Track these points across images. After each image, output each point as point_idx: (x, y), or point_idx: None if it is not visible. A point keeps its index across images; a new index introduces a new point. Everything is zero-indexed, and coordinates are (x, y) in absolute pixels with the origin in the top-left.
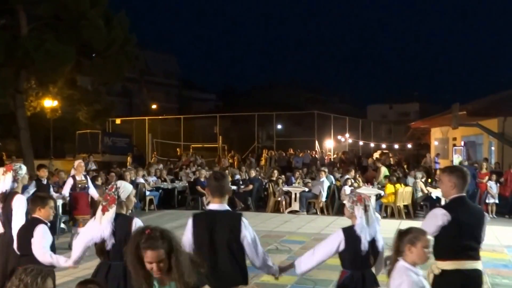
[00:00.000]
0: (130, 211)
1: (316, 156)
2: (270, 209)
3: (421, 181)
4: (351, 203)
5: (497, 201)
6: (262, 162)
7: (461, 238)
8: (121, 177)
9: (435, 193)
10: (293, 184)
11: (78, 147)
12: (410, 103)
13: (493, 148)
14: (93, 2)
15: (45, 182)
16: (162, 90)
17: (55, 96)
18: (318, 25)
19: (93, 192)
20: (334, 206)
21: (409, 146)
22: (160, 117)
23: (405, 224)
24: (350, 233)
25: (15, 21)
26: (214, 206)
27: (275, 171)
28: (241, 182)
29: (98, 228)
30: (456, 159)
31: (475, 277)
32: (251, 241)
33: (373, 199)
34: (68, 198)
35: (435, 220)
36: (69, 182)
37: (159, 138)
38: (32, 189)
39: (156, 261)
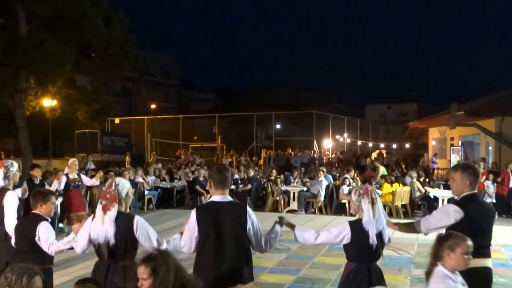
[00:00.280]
0: (128, 210)
1: (315, 155)
2: (268, 209)
3: (418, 180)
4: (357, 196)
5: (494, 201)
6: (261, 162)
7: (472, 235)
8: (120, 176)
9: (433, 192)
10: (292, 184)
11: (77, 146)
12: (408, 103)
13: (490, 148)
14: (92, 2)
15: (37, 182)
16: (161, 90)
17: (54, 96)
18: (317, 25)
19: (86, 180)
20: (333, 205)
21: (407, 146)
22: (159, 116)
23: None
24: (357, 227)
25: (14, 21)
26: (217, 197)
27: (274, 171)
28: (239, 182)
29: (101, 228)
30: (454, 158)
31: (486, 274)
32: (256, 230)
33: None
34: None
35: (446, 216)
36: (63, 180)
37: (158, 137)
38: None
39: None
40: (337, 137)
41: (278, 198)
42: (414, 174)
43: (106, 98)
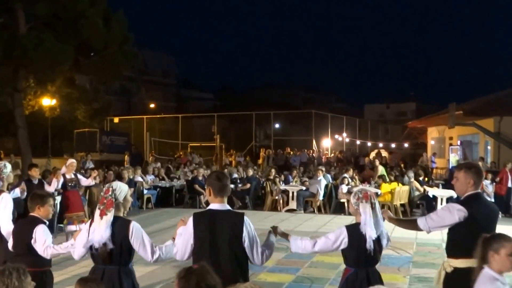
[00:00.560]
0: (128, 209)
1: (313, 155)
2: (267, 208)
3: (415, 180)
4: (356, 199)
5: (492, 200)
6: (260, 161)
7: (476, 235)
8: (119, 175)
9: (432, 191)
10: (291, 183)
11: (76, 145)
12: (407, 102)
13: (489, 147)
14: (91, 1)
15: (36, 181)
16: (160, 89)
17: (53, 95)
18: (316, 24)
19: (82, 180)
20: (332, 205)
21: (406, 145)
22: (158, 116)
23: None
24: (354, 231)
25: (13, 20)
26: (215, 205)
27: (273, 170)
28: (238, 181)
29: (97, 232)
30: (453, 158)
31: None
32: (252, 241)
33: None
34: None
35: (450, 215)
36: (60, 179)
37: (157, 137)
38: (16, 194)
39: None
40: (336, 136)
41: (277, 197)
42: (411, 174)
43: (105, 98)
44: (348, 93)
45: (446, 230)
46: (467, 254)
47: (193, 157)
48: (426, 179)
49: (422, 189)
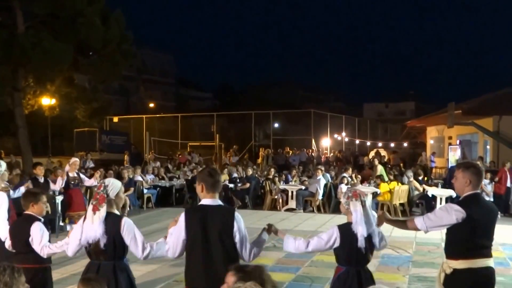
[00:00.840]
0: (128, 209)
1: (313, 154)
2: (267, 207)
3: (414, 179)
4: (346, 199)
5: (492, 199)
6: (259, 161)
7: (474, 236)
8: (119, 175)
9: (431, 191)
10: (290, 182)
11: (76, 145)
12: (406, 101)
13: (488, 146)
14: (89, 0)
15: (42, 180)
16: (159, 88)
17: (52, 94)
18: (315, 23)
19: (85, 180)
20: (331, 204)
21: (405, 144)
22: (157, 115)
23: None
24: (345, 230)
25: (11, 19)
26: (207, 201)
27: (272, 169)
28: (238, 180)
29: (90, 228)
30: (452, 157)
31: (488, 275)
32: (242, 237)
33: (369, 197)
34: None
35: (448, 215)
36: (64, 178)
37: (157, 136)
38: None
39: None
40: (335, 136)
41: (276, 196)
42: (410, 173)
43: (105, 97)
44: (346, 92)
45: (445, 230)
46: (466, 255)
47: (193, 156)
48: (426, 178)
49: (421, 189)
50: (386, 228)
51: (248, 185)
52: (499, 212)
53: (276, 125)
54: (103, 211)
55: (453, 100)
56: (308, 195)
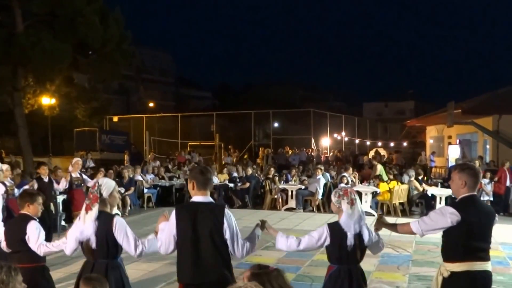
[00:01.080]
0: (129, 208)
1: (312, 154)
2: (267, 207)
3: (415, 179)
4: (337, 197)
5: (491, 199)
6: (259, 160)
7: (470, 239)
8: (119, 174)
9: (431, 190)
10: (290, 182)
11: (76, 144)
12: (406, 101)
13: (488, 146)
14: None
15: (46, 179)
16: (159, 88)
17: (52, 94)
18: (314, 23)
19: (88, 181)
20: (331, 203)
21: (405, 144)
22: (157, 115)
23: (401, 221)
24: (335, 228)
25: (10, 18)
26: (198, 198)
27: (272, 169)
28: (238, 180)
29: (83, 227)
30: (452, 157)
31: (485, 278)
32: (233, 233)
33: (369, 196)
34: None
35: (443, 219)
36: (68, 178)
37: (156, 136)
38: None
39: None
40: (335, 135)
41: (276, 196)
42: (412, 173)
43: (104, 97)
44: (346, 91)
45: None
46: (463, 258)
47: (193, 156)
48: (425, 178)
49: (421, 188)
50: (385, 228)
51: (248, 184)
52: (499, 212)
53: (276, 124)
54: (95, 210)
55: (452, 99)
56: (308, 195)
